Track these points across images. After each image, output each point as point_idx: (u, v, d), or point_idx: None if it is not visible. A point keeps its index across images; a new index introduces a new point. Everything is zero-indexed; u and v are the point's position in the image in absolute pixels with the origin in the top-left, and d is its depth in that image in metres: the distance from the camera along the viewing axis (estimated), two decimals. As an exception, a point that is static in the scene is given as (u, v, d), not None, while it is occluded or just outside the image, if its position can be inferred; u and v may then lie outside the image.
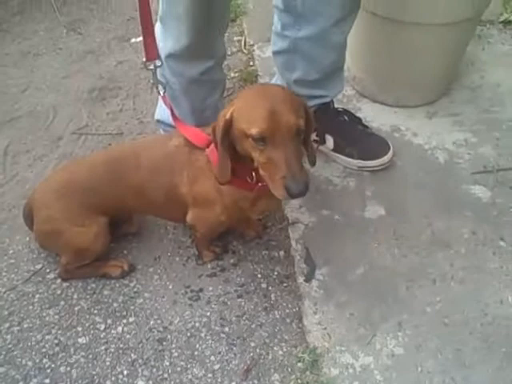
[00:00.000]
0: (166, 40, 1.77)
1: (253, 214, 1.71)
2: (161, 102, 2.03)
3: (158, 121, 2.12)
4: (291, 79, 2.02)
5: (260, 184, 1.51)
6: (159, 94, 1.71)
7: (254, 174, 1.50)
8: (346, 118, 2.16)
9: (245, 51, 2.95)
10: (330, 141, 2.12)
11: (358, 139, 2.12)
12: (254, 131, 1.32)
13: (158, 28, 1.80)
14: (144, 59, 1.63)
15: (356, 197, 2.02)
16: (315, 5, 1.78)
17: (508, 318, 1.61)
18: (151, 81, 1.71)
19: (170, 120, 1.92)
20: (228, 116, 1.39)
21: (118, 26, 3.25)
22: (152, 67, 1.64)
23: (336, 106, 2.19)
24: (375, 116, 2.36)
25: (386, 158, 2.08)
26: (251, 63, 2.80)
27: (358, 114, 2.25)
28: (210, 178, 1.55)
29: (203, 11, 1.66)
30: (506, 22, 2.93)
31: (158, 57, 1.64)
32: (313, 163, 1.58)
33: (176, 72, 1.83)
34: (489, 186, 2.02)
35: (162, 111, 2.05)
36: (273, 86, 1.49)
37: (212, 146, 1.52)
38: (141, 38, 1.60)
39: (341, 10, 1.80)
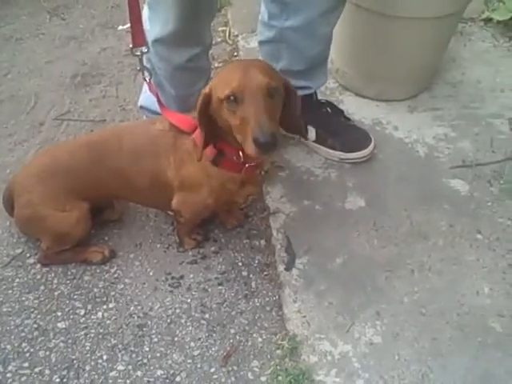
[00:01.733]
0: (154, 25, 1.76)
1: (239, 197, 1.72)
2: (145, 88, 2.03)
3: (142, 107, 2.11)
4: (276, 69, 2.03)
5: (247, 165, 1.53)
6: (145, 80, 1.71)
7: (241, 153, 1.51)
8: (329, 109, 2.18)
9: (229, 41, 2.95)
10: (312, 132, 2.14)
11: (340, 131, 2.13)
12: (226, 92, 1.35)
13: (145, 13, 1.79)
14: (130, 45, 1.63)
15: (337, 188, 2.04)
16: None
17: (484, 308, 1.64)
18: (138, 67, 1.71)
19: (154, 107, 1.92)
20: (207, 90, 1.42)
21: (102, 12, 3.24)
22: (138, 53, 1.64)
23: (319, 98, 2.20)
24: (357, 109, 2.39)
25: (367, 151, 2.11)
26: (235, 53, 2.81)
27: (341, 107, 2.27)
28: (195, 163, 1.56)
29: None
30: (487, 20, 2.97)
31: (145, 43, 1.64)
32: (304, 136, 1.67)
33: (162, 57, 1.83)
34: (467, 180, 2.05)
35: (145, 98, 2.04)
36: (251, 59, 1.54)
37: (198, 129, 1.53)
38: (127, 26, 1.60)
39: (328, 2, 1.81)
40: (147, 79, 1.71)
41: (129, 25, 1.59)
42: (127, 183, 1.72)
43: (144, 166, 1.67)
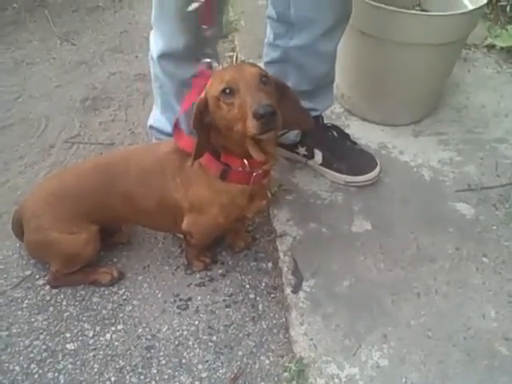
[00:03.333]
0: (158, 40, 1.80)
1: (249, 212, 1.72)
2: (155, 110, 2.06)
3: (151, 127, 2.12)
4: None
5: (255, 173, 1.55)
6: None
7: (246, 161, 1.54)
8: (335, 133, 2.21)
9: (236, 67, 2.99)
10: (318, 155, 2.16)
11: (347, 155, 2.16)
12: (220, 87, 1.38)
13: (151, 34, 1.85)
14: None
15: (343, 211, 2.06)
16: (307, 13, 1.83)
17: (490, 331, 1.65)
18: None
19: (163, 127, 1.96)
20: (202, 95, 1.46)
21: (111, 38, 3.29)
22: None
23: (325, 122, 2.23)
24: (363, 133, 2.41)
25: (373, 174, 2.13)
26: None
27: (347, 131, 2.29)
28: (205, 181, 1.59)
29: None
30: (490, 46, 3.01)
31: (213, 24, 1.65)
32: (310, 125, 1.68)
33: (168, 73, 1.86)
34: (472, 203, 2.07)
35: (155, 118, 2.07)
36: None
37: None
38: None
39: (332, 19, 1.85)
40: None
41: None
42: (135, 206, 1.73)
43: (151, 188, 1.69)
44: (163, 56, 1.82)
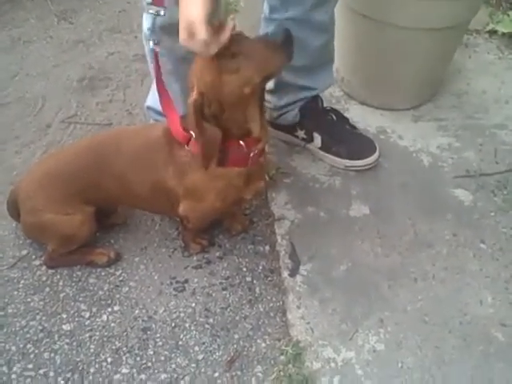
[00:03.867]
0: (148, 17, 1.73)
1: (246, 193, 1.70)
2: (153, 89, 2.03)
3: (148, 107, 2.10)
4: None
5: (252, 154, 1.55)
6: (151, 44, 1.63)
7: (242, 142, 1.53)
8: (334, 117, 2.19)
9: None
10: (317, 139, 2.15)
11: (346, 139, 2.15)
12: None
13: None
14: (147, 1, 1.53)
15: (342, 195, 2.05)
16: None
17: (486, 317, 1.65)
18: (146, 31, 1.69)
19: (160, 107, 1.93)
20: (194, 95, 1.42)
21: (110, 17, 3.24)
22: (152, 11, 1.54)
23: (325, 105, 2.22)
24: (362, 117, 2.40)
25: (372, 159, 2.12)
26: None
27: (346, 115, 2.27)
28: (197, 171, 1.57)
29: None
30: (492, 32, 2.98)
31: (164, 3, 1.53)
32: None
33: (166, 48, 1.82)
34: (471, 189, 2.07)
35: (153, 98, 2.04)
36: None
37: (192, 140, 1.52)
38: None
39: None
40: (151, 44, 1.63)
41: None
42: (128, 189, 1.72)
43: (142, 173, 1.68)
44: (162, 29, 1.78)
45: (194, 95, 1.42)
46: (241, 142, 1.53)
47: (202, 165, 1.50)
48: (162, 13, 1.52)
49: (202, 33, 1.31)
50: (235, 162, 1.57)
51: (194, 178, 1.62)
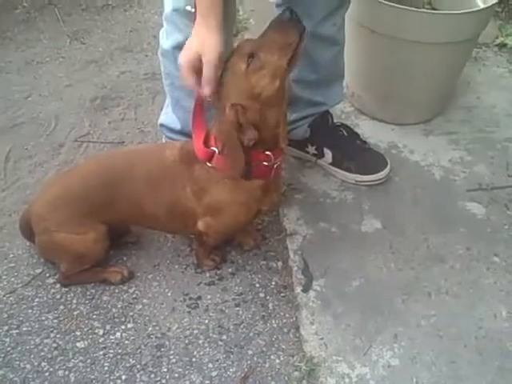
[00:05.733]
0: (174, 33, 1.78)
1: (264, 205, 1.71)
2: (166, 108, 2.05)
3: (162, 125, 2.11)
4: (290, 79, 2.05)
5: (276, 165, 1.59)
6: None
7: (269, 153, 1.55)
8: (345, 132, 2.20)
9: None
10: (328, 154, 2.16)
11: (356, 154, 2.15)
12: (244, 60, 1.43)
13: (162, 31, 1.85)
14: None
15: (353, 210, 2.05)
16: None
17: (502, 332, 1.64)
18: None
19: (174, 125, 1.95)
20: (228, 109, 1.44)
21: (121, 36, 3.29)
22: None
23: (334, 121, 2.23)
24: (373, 132, 2.41)
25: (383, 174, 2.12)
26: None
27: (357, 130, 2.29)
28: (221, 184, 1.59)
29: None
30: (501, 46, 2.99)
31: None
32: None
33: None
34: (483, 203, 2.06)
35: (166, 116, 2.06)
36: None
37: (216, 155, 1.55)
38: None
39: (332, 3, 1.87)
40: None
41: None
42: (141, 211, 1.73)
43: (158, 195, 1.69)
44: (179, 47, 1.79)
45: (227, 109, 1.44)
46: (268, 153, 1.55)
47: (231, 174, 1.53)
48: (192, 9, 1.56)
49: (209, 76, 1.36)
50: (259, 174, 1.59)
51: (216, 193, 1.63)
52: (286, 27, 1.44)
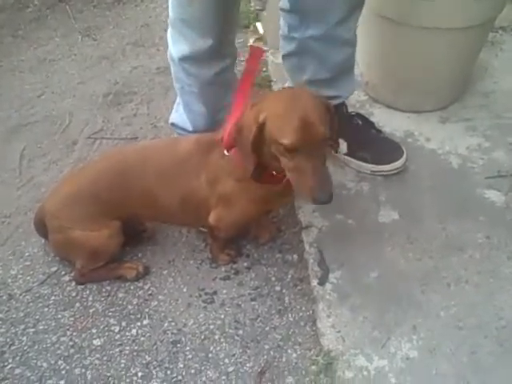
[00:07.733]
0: (178, 43, 1.78)
1: (275, 205, 1.72)
2: (177, 105, 2.05)
3: (173, 124, 2.11)
4: (302, 81, 2.03)
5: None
6: None
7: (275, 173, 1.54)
8: (360, 121, 2.17)
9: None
10: (343, 145, 2.12)
11: (372, 143, 2.12)
12: (286, 141, 1.34)
13: (168, 33, 1.82)
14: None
15: (369, 201, 2.02)
16: (321, 2, 1.79)
17: (523, 322, 1.60)
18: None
19: (185, 124, 1.93)
20: (261, 120, 1.39)
21: (132, 32, 3.29)
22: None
23: (349, 110, 2.19)
24: (388, 121, 2.37)
25: (399, 163, 2.08)
26: (264, 69, 2.81)
27: (371, 119, 2.25)
28: (234, 176, 1.58)
29: (221, 12, 1.67)
30: (519, 29, 2.93)
31: None
32: (335, 151, 1.70)
33: (190, 74, 1.84)
34: (503, 190, 2.02)
35: (176, 115, 2.06)
36: (302, 92, 1.46)
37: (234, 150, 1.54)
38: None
39: (346, 7, 1.81)
40: None
41: None
42: (155, 205, 1.73)
43: (172, 187, 1.68)
44: (185, 59, 1.80)
45: (262, 117, 1.40)
46: (274, 173, 1.54)
47: (244, 172, 1.51)
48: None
49: None
50: (269, 180, 1.57)
51: (228, 184, 1.62)
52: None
